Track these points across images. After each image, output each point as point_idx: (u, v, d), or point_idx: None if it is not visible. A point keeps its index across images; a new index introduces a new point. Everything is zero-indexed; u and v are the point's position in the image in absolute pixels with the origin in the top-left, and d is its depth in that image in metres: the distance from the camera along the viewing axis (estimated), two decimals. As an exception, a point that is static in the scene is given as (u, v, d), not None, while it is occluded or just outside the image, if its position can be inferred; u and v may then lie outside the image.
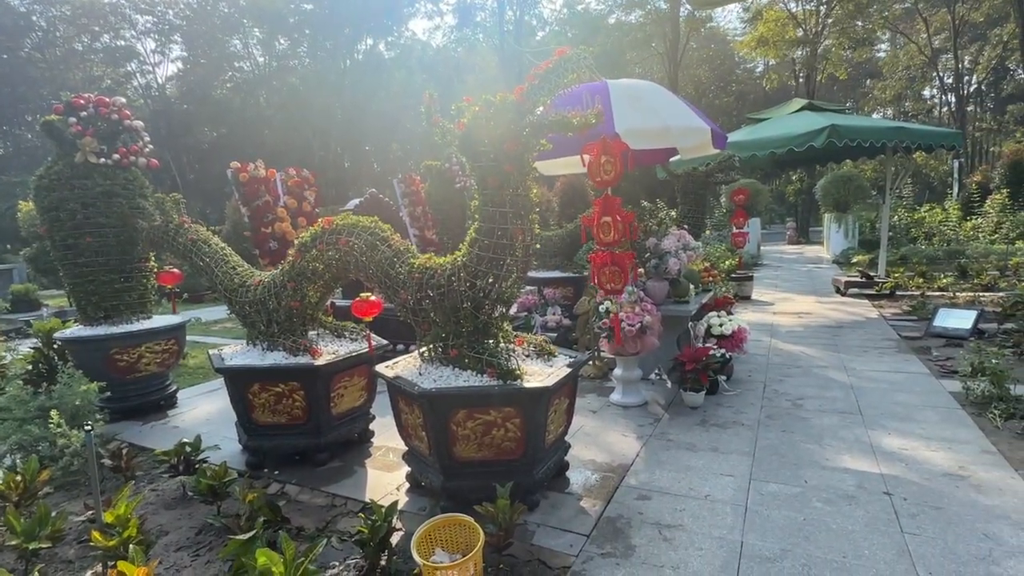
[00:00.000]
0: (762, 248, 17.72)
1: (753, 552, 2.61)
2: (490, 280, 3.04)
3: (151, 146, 5.45)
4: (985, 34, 32.28)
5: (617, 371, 4.78)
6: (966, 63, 34.40)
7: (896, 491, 3.10)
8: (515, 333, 3.46)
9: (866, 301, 9.06)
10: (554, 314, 6.37)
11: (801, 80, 28.75)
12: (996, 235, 13.89)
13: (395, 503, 2.69)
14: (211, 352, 4.03)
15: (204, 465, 3.32)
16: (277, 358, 3.72)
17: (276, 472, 3.70)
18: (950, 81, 35.08)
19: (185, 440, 3.56)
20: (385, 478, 3.57)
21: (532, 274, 8.02)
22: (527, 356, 3.34)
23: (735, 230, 7.40)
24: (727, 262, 10.60)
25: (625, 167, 3.79)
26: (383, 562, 2.62)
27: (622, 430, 4.20)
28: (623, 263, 3.86)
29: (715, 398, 4.79)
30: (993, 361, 4.47)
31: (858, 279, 9.76)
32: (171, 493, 3.50)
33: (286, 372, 3.61)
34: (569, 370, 3.13)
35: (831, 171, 17.05)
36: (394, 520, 3.03)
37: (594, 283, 4.05)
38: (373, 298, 3.59)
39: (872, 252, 12.49)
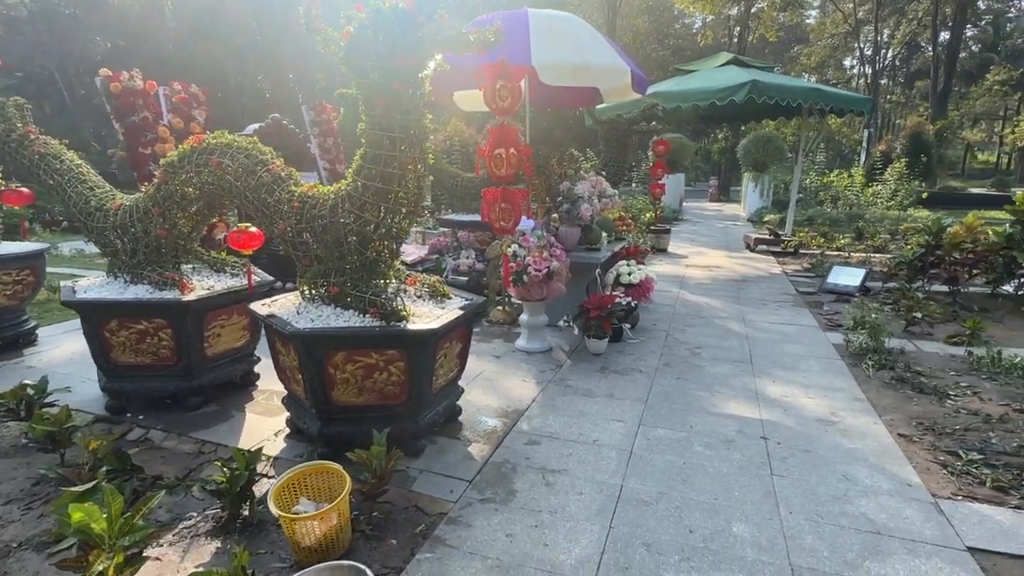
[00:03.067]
0: (684, 204, 18.17)
1: (631, 496, 2.63)
2: (379, 213, 2.78)
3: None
4: (903, 8, 33.77)
5: (523, 317, 4.70)
6: (885, 36, 35.99)
7: (772, 436, 3.23)
8: (408, 272, 3.25)
9: (772, 258, 9.48)
10: (467, 258, 6.18)
11: (735, 40, 29.11)
12: (892, 202, 14.88)
13: (259, 449, 2.48)
14: (63, 284, 3.55)
15: (43, 410, 2.95)
16: (140, 292, 3.31)
17: (140, 417, 3.37)
18: (869, 53, 36.69)
19: (28, 381, 3.14)
20: (264, 423, 3.33)
21: (450, 216, 7.75)
22: (419, 297, 3.15)
23: (653, 181, 7.46)
24: (647, 215, 10.74)
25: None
26: (245, 512, 2.43)
27: (523, 376, 4.14)
28: (515, 200, 3.67)
29: (618, 346, 4.84)
30: (872, 316, 4.74)
31: (767, 237, 10.18)
32: (11, 440, 3.11)
33: (149, 307, 3.23)
34: (461, 313, 2.97)
35: (753, 131, 17.52)
36: (264, 467, 2.83)
37: (484, 219, 3.86)
38: (254, 229, 3.23)
39: (783, 212, 13.07)
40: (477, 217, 7.34)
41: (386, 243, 2.92)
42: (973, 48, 39.38)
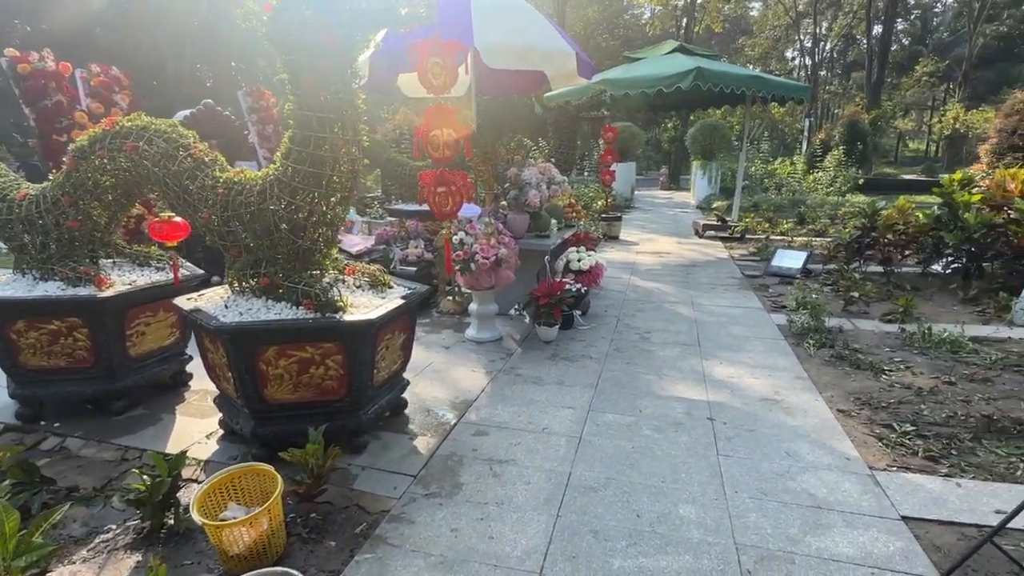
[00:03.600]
0: (636, 192, 18.38)
1: (579, 482, 2.59)
2: (311, 198, 2.63)
3: None
4: (840, 1, 35.10)
5: (472, 306, 4.61)
6: (823, 28, 37.33)
7: (719, 416, 3.26)
8: (346, 261, 3.10)
9: (720, 243, 9.68)
10: (416, 247, 6.03)
11: (683, 31, 29.59)
12: (832, 188, 15.46)
13: (182, 453, 2.31)
14: (-37, 282, 3.24)
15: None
16: (51, 289, 3.05)
17: (57, 425, 3.11)
18: (809, 45, 38.00)
19: (-78, 390, 2.85)
20: (196, 426, 3.14)
21: (397, 206, 7.55)
22: (358, 287, 3.01)
23: (604, 168, 7.46)
24: (599, 202, 10.79)
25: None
26: (171, 521, 2.26)
27: (472, 366, 4.06)
28: (455, 183, 3.55)
29: (569, 332, 4.81)
30: (814, 297, 4.88)
31: (714, 223, 10.40)
32: (-96, 455, 2.81)
33: (61, 306, 2.98)
34: (402, 302, 2.86)
35: (701, 120, 17.86)
36: (194, 471, 2.66)
37: (421, 203, 3.75)
38: (178, 219, 3.02)
39: (731, 199, 13.39)
40: (426, 206, 7.21)
41: (320, 230, 2.78)
42: (904, 41, 41.37)
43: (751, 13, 39.76)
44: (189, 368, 3.69)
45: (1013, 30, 38.08)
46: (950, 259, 6.17)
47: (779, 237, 9.85)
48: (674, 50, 9.55)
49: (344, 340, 2.59)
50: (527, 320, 5.04)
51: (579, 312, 5.05)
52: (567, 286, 4.73)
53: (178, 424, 3.16)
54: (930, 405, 3.36)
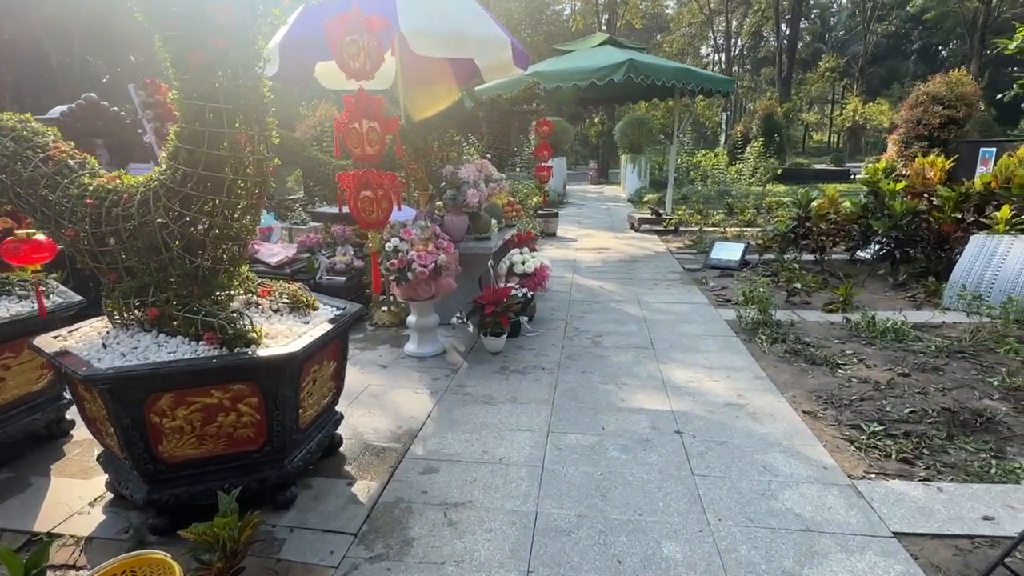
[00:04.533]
0: (568, 187, 18.37)
1: (548, 523, 2.27)
2: (209, 208, 2.15)
3: None
4: (749, 0, 36.80)
5: (411, 318, 4.18)
6: (734, 26, 39.08)
7: (686, 428, 3.04)
8: (260, 281, 2.63)
9: (656, 236, 9.69)
10: (344, 255, 5.51)
11: (604, 27, 29.99)
12: (753, 178, 16.04)
13: (44, 544, 1.78)
14: None
15: None
16: None
17: None
18: (722, 42, 39.66)
19: None
20: (77, 489, 2.56)
21: (322, 209, 6.98)
22: (275, 311, 2.54)
23: (539, 164, 7.21)
24: (534, 199, 10.55)
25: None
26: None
27: (415, 386, 3.65)
28: (382, 185, 3.11)
29: (517, 340, 4.49)
30: (761, 291, 4.81)
31: (649, 216, 10.41)
32: None
33: None
34: (331, 327, 2.42)
35: (627, 114, 18.07)
36: (71, 555, 2.13)
37: (341, 209, 3.29)
38: (41, 236, 2.43)
39: (660, 191, 13.55)
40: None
41: (225, 246, 2.30)
42: (807, 38, 44.04)
43: (667, 11, 41.05)
44: (69, 414, 3.06)
45: (900, 29, 41.38)
46: (879, 246, 6.34)
47: (712, 228, 9.98)
48: (604, 42, 9.43)
49: (259, 379, 2.13)
50: (471, 329, 4.67)
51: (526, 318, 4.74)
52: (513, 291, 4.41)
53: (53, 489, 2.57)
54: (891, 400, 3.29)
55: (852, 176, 20.39)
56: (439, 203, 4.79)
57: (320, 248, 5.20)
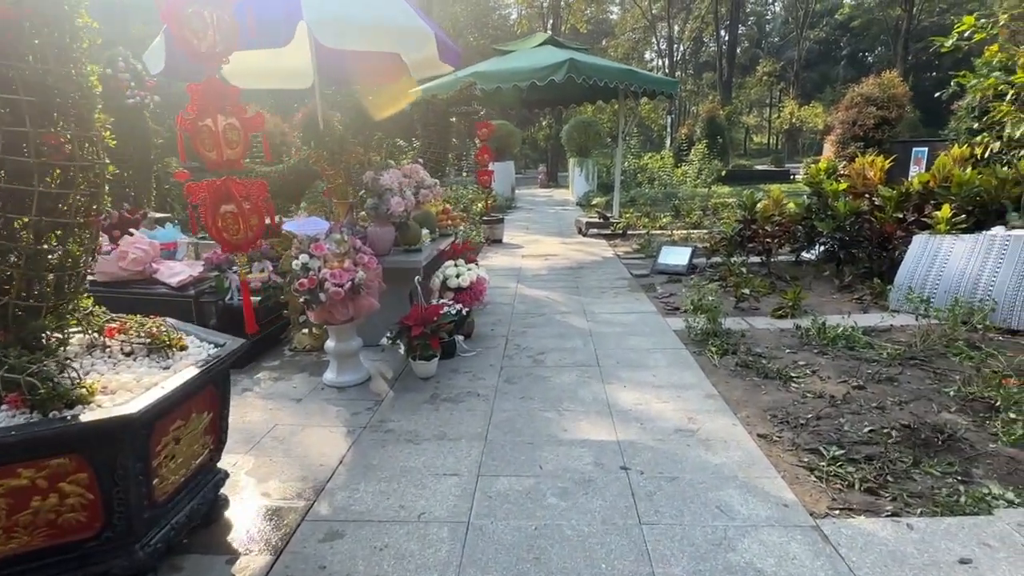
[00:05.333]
0: (517, 191, 18.09)
1: (469, 602, 1.88)
2: (10, 232, 1.66)
3: None
4: (689, 6, 37.67)
5: (329, 343, 3.72)
6: (676, 32, 39.93)
7: (633, 463, 2.71)
8: (109, 317, 2.13)
9: (603, 241, 9.47)
10: (262, 271, 4.96)
11: (549, 31, 30.01)
12: (699, 180, 16.17)
13: None
14: None
15: None
16: None
17: None
18: (665, 47, 40.47)
19: None
20: None
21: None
22: (128, 354, 2.06)
23: (480, 168, 6.85)
24: (478, 205, 10.17)
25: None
26: None
27: (330, 424, 3.20)
28: (249, 197, 2.58)
29: (452, 362, 4.09)
30: (709, 299, 4.58)
31: (597, 220, 10.20)
32: None
33: None
34: (197, 373, 1.96)
35: (574, 117, 17.96)
36: None
37: (196, 232, 2.76)
38: None
39: (608, 194, 13.43)
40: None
41: (47, 278, 1.80)
42: (745, 44, 45.53)
43: (611, 16, 41.61)
44: None
45: (830, 36, 43.34)
46: (825, 247, 6.27)
47: (659, 231, 9.85)
48: (545, 42, 9.16)
49: (86, 451, 1.65)
50: (401, 350, 4.23)
51: (462, 336, 4.34)
52: (445, 309, 4.01)
53: None
54: (848, 417, 3.06)
55: (792, 176, 20.98)
56: (362, 213, 4.35)
57: (231, 265, 4.65)
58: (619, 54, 39.53)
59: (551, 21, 29.90)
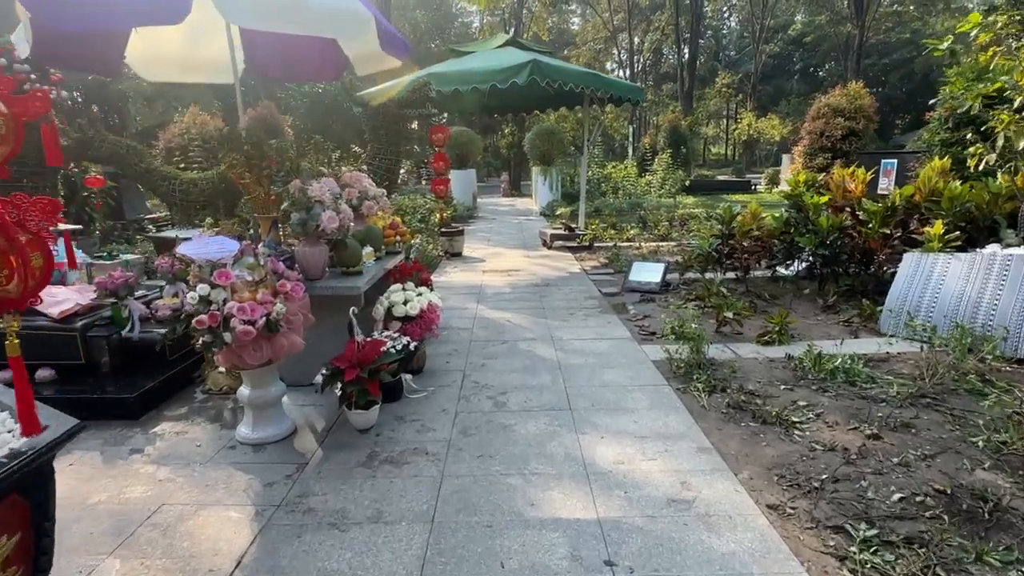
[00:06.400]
0: (479, 200, 17.50)
1: None
2: None
3: None
4: (649, 18, 38.06)
5: (243, 391, 3.01)
6: (636, 43, 40.27)
7: (620, 554, 2.12)
8: None
9: (569, 254, 8.96)
10: (175, 295, 4.20)
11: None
12: (663, 190, 15.93)
13: None
14: None
15: None
16: None
17: None
18: (625, 58, 40.76)
19: None
20: None
21: (165, 235, 5.64)
22: None
23: (435, 176, 6.22)
24: (436, 216, 9.52)
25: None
26: None
27: (235, 500, 2.51)
28: (24, 220, 1.47)
29: (398, 407, 3.45)
30: (692, 326, 4.07)
31: (562, 232, 9.68)
32: None
33: None
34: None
35: (538, 124, 17.52)
36: None
37: None
38: None
39: (573, 204, 12.98)
40: (195, 232, 5.33)
41: None
42: (703, 57, 46.35)
43: (572, 27, 41.72)
44: None
45: (784, 51, 44.55)
46: (808, 263, 5.89)
47: (627, 243, 9.42)
48: (506, 43, 8.63)
49: None
50: (338, 393, 3.55)
51: (410, 375, 3.70)
52: (387, 345, 3.36)
53: None
54: (870, 479, 2.56)
55: (753, 187, 21.05)
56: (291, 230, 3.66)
57: (131, 291, 3.88)
58: (581, 63, 39.56)
59: (513, 29, 29.60)
